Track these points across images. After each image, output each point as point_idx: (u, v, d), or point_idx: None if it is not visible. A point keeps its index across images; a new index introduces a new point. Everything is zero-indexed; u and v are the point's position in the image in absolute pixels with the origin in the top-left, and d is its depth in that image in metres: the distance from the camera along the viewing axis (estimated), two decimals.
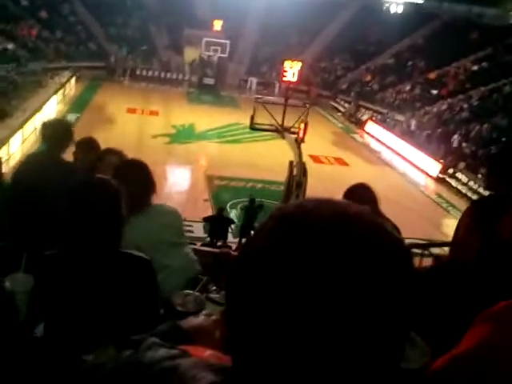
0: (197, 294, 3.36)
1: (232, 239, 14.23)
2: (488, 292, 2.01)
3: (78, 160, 4.62)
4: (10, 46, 30.29)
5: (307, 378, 0.70)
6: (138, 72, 37.71)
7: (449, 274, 2.44)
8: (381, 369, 0.73)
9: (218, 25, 38.41)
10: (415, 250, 10.46)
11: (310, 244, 0.71)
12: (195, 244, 13.61)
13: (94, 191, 2.40)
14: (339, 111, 35.95)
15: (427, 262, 9.47)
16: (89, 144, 4.82)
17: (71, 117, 25.38)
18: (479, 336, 1.48)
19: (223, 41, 37.49)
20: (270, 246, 0.74)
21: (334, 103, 37.15)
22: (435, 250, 10.41)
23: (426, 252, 10.14)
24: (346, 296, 0.69)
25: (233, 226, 14.81)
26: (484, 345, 1.45)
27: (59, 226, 2.73)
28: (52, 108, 25.50)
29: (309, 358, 0.70)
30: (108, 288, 2.36)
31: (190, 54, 38.93)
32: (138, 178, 3.32)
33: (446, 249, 8.91)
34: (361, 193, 3.98)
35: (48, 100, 25.15)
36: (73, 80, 31.24)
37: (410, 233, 16.39)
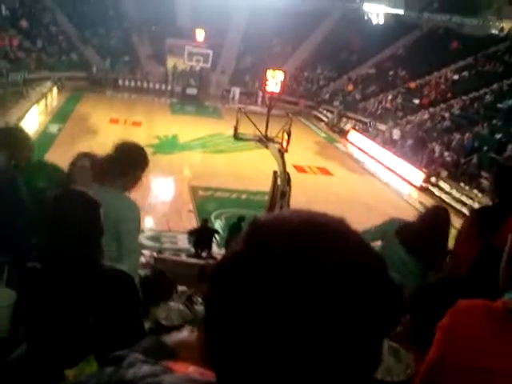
0: (181, 306, 3.33)
1: (217, 250, 14.17)
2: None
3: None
4: None
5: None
6: (120, 82, 37.63)
7: (446, 285, 2.44)
8: (353, 376, 0.74)
9: (200, 35, 38.46)
10: None
11: (282, 249, 0.74)
12: (179, 255, 13.59)
13: (73, 204, 2.38)
14: (322, 121, 36.10)
15: None
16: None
17: (53, 127, 25.30)
18: (433, 346, 1.51)
19: (205, 51, 37.54)
20: (246, 251, 0.76)
21: (316, 113, 37.31)
22: None
23: None
24: (315, 302, 0.70)
25: (217, 236, 14.74)
26: (435, 354, 1.48)
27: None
28: (34, 119, 25.32)
29: (288, 363, 0.71)
30: (90, 303, 2.32)
31: (173, 64, 38.95)
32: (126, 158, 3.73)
33: None
34: (441, 215, 4.16)
35: (29, 111, 24.99)
36: (55, 90, 31.11)
37: None
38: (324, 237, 0.75)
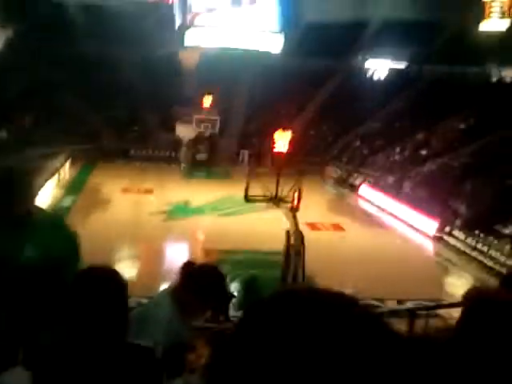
0: (197, 379, 3.29)
1: (233, 313, 14.03)
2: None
3: None
4: (3, 134, 30.80)
5: None
6: (131, 152, 38.23)
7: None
8: None
9: (207, 101, 39.21)
10: (421, 312, 10.42)
11: (277, 335, 0.73)
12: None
13: (99, 282, 2.32)
14: (332, 177, 36.28)
15: (434, 323, 9.40)
16: None
17: (67, 200, 25.61)
18: None
19: (213, 117, 38.21)
20: (242, 335, 0.78)
21: (326, 169, 37.52)
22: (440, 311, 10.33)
23: (431, 312, 10.10)
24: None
25: (233, 299, 14.58)
26: None
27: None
28: (48, 193, 25.65)
29: None
30: (112, 381, 2.25)
31: (181, 131, 39.57)
32: None
33: (453, 310, 8.82)
34: None
35: (43, 185, 25.30)
36: (67, 164, 31.59)
37: (413, 293, 16.27)
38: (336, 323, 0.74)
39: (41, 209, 3.13)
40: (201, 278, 3.97)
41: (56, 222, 3.12)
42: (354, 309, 0.78)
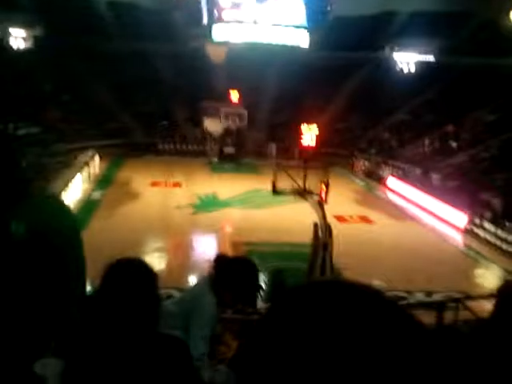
0: (226, 369, 3.34)
1: (261, 304, 14.09)
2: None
3: None
4: (35, 129, 31.24)
5: None
6: (159, 146, 38.57)
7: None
8: None
9: (234, 95, 39.32)
10: (450, 304, 10.34)
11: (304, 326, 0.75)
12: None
13: (128, 273, 2.37)
14: (360, 169, 36.10)
15: (463, 315, 9.32)
16: None
17: (96, 194, 25.95)
18: None
19: (241, 111, 38.30)
20: (270, 321, 0.80)
21: (354, 161, 37.36)
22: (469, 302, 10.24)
23: (461, 305, 10.00)
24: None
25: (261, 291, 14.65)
26: None
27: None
28: (77, 187, 25.99)
29: None
30: (143, 371, 2.27)
31: (209, 125, 39.76)
32: None
33: (483, 301, 8.74)
34: None
35: (72, 179, 25.63)
36: (96, 158, 31.95)
37: (443, 286, 16.15)
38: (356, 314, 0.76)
39: (38, 188, 2.97)
40: (234, 271, 4.03)
41: (52, 201, 2.96)
42: (380, 301, 0.80)
